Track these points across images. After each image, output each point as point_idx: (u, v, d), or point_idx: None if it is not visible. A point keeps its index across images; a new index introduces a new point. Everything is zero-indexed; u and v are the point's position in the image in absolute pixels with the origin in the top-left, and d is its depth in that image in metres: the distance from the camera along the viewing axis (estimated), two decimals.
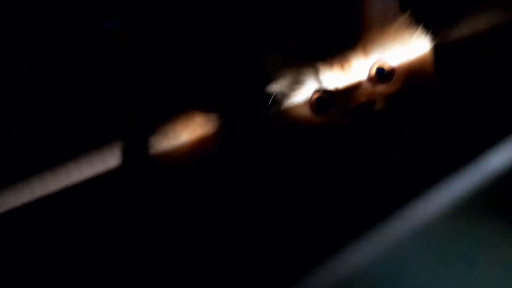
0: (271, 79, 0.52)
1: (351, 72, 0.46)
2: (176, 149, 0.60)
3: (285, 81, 0.51)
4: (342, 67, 0.46)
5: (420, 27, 0.50)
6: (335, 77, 0.46)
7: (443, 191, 0.32)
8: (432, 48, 0.50)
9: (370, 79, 0.46)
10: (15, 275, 0.48)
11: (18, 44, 0.57)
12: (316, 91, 0.48)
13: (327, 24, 0.52)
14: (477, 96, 0.47)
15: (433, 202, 0.31)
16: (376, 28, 0.48)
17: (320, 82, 0.47)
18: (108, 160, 0.54)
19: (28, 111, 0.55)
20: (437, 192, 0.32)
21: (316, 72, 0.47)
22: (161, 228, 0.49)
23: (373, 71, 0.46)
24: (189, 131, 0.63)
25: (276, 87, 0.52)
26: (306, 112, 0.48)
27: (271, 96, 0.52)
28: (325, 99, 0.47)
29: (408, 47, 0.48)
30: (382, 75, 0.46)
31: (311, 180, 0.49)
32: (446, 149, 0.45)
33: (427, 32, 0.50)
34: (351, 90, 0.45)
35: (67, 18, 0.56)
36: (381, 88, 0.46)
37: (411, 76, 0.46)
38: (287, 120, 0.50)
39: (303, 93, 0.49)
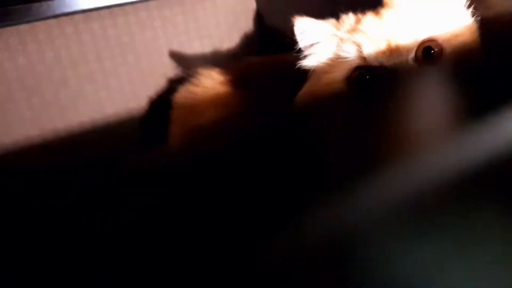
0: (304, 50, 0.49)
1: (397, 50, 0.43)
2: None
3: (325, 55, 0.48)
4: (389, 44, 0.43)
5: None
6: (380, 54, 0.43)
7: None
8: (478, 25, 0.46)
9: (417, 58, 0.43)
10: None
11: None
12: (358, 68, 0.45)
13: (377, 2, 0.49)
14: None
15: None
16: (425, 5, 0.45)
17: (363, 59, 0.44)
18: None
19: None
20: None
21: (359, 48, 0.44)
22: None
23: (421, 51, 0.43)
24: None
25: (314, 62, 0.49)
26: (344, 88, 0.46)
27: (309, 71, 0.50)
28: (366, 77, 0.44)
29: (456, 25, 0.45)
30: (429, 54, 0.43)
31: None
32: None
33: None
34: (397, 69, 0.42)
35: None
36: (429, 66, 0.43)
37: (459, 56, 0.43)
38: (322, 95, 0.47)
39: (342, 69, 0.46)
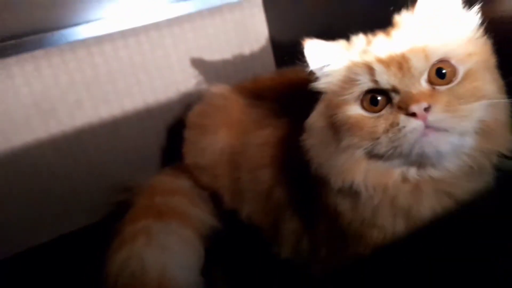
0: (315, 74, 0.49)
1: (410, 72, 0.42)
2: None
3: (336, 78, 0.47)
4: (401, 67, 0.42)
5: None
6: (392, 77, 0.42)
7: None
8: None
9: (430, 80, 0.42)
10: None
11: None
12: (370, 91, 0.44)
13: (385, 20, 0.48)
14: None
15: None
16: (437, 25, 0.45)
17: (374, 82, 0.43)
18: None
19: None
20: None
21: (371, 71, 0.44)
22: None
23: (434, 72, 0.42)
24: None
25: (325, 84, 0.49)
26: (357, 111, 0.45)
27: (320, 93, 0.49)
28: (378, 99, 0.44)
29: (468, 44, 0.44)
30: (442, 75, 0.42)
31: None
32: None
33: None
34: (409, 91, 0.41)
35: None
36: (441, 89, 0.42)
37: (478, 75, 0.43)
38: (337, 118, 0.46)
39: (355, 92, 0.45)
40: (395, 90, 0.43)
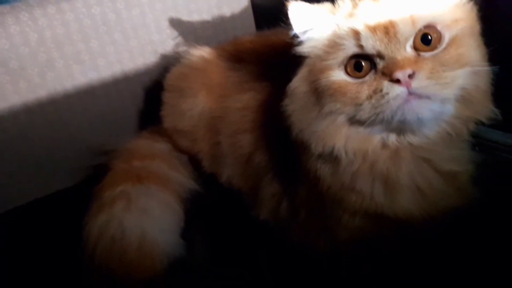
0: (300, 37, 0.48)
1: (396, 37, 0.41)
2: None
3: (321, 42, 0.46)
4: (387, 32, 0.42)
5: None
6: (378, 42, 0.42)
7: None
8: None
9: (416, 46, 0.42)
10: None
11: None
12: (354, 56, 0.43)
13: None
14: None
15: None
16: None
17: (360, 47, 0.43)
18: None
19: None
20: None
21: (356, 36, 0.43)
22: None
23: (419, 38, 0.42)
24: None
25: (309, 48, 0.48)
26: (341, 76, 0.44)
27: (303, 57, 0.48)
28: (362, 65, 0.43)
29: (455, 10, 0.43)
30: (428, 41, 0.42)
31: None
32: None
33: None
34: (394, 57, 0.41)
35: None
36: (426, 55, 0.42)
37: (464, 41, 0.42)
38: (320, 83, 0.45)
39: (339, 57, 0.44)
40: (380, 55, 0.42)
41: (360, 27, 0.43)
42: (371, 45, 0.42)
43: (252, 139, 0.61)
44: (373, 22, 0.43)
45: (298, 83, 0.49)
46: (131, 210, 0.59)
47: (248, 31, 0.89)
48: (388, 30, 0.42)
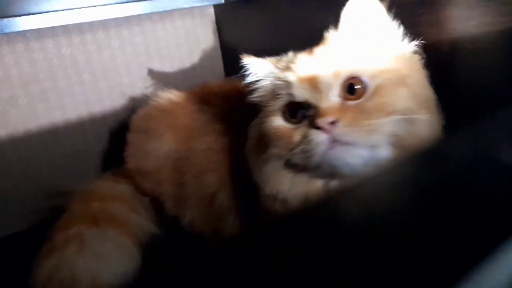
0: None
1: (319, 87, 0.44)
2: None
3: (266, 91, 0.51)
4: (312, 82, 0.44)
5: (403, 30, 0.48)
6: (304, 91, 0.45)
7: None
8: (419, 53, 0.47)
9: (342, 94, 0.44)
10: None
11: None
12: (290, 103, 0.47)
13: (302, 36, 0.51)
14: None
15: None
16: (352, 40, 0.47)
17: (291, 96, 0.46)
18: None
19: None
20: None
21: (289, 86, 0.46)
22: None
23: (345, 87, 0.44)
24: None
25: (258, 97, 0.52)
26: (279, 122, 0.48)
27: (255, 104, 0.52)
28: (298, 111, 0.46)
29: (385, 61, 0.46)
30: (353, 91, 0.44)
31: None
32: None
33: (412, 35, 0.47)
34: (319, 106, 0.43)
35: None
36: (351, 103, 0.43)
37: (389, 90, 0.44)
38: (264, 128, 0.49)
39: (277, 104, 0.48)
40: (308, 104, 0.45)
41: (292, 78, 0.47)
42: (299, 94, 0.46)
43: (215, 179, 0.61)
44: (302, 74, 0.46)
45: (253, 128, 0.53)
46: (83, 253, 0.55)
47: (217, 77, 0.91)
48: (312, 81, 0.45)
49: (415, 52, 0.48)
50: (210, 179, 0.62)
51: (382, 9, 0.47)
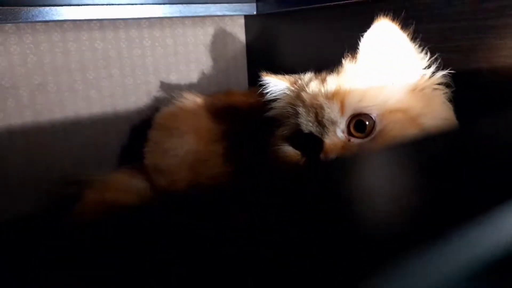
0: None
1: (323, 122, 0.43)
2: None
3: (280, 111, 0.51)
4: (317, 115, 0.44)
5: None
6: (310, 124, 0.44)
7: None
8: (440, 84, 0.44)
9: (349, 130, 0.43)
10: None
11: None
12: (296, 131, 0.47)
13: (329, 55, 0.50)
14: None
15: None
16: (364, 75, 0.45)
17: (298, 125, 0.46)
18: None
19: None
20: None
21: (297, 115, 0.46)
22: None
23: (353, 123, 0.42)
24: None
25: (274, 114, 0.52)
26: (288, 148, 0.48)
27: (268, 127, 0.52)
28: (302, 138, 0.46)
29: (399, 98, 0.43)
30: (362, 128, 0.42)
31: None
32: None
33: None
34: (323, 140, 0.43)
35: None
36: (357, 141, 0.42)
37: (396, 132, 0.41)
38: (274, 150, 0.49)
39: (287, 131, 0.49)
40: (314, 136, 0.45)
41: (300, 106, 0.46)
42: (304, 125, 0.45)
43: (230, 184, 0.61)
44: (310, 104, 0.45)
45: (271, 144, 0.53)
46: None
47: (240, 86, 0.93)
48: (317, 114, 0.44)
49: (441, 83, 0.46)
50: (226, 183, 0.62)
51: (404, 38, 0.45)
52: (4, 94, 0.74)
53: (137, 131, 0.83)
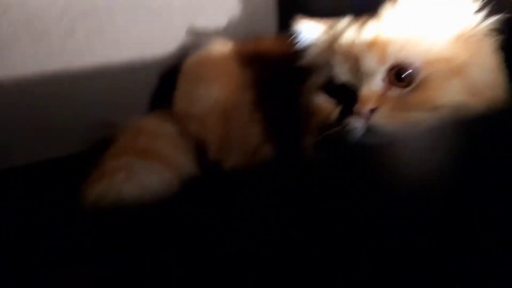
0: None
1: (361, 71, 0.42)
2: None
3: (314, 58, 0.50)
4: (356, 63, 0.42)
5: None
6: (346, 73, 0.43)
7: None
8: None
9: (388, 79, 0.41)
10: None
11: None
12: (329, 80, 0.46)
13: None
14: None
15: None
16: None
17: (332, 74, 0.45)
18: None
19: None
20: None
21: (331, 62, 0.45)
22: None
23: (393, 73, 0.41)
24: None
25: (307, 62, 0.51)
26: (321, 96, 0.47)
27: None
28: (335, 88, 0.45)
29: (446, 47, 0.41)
30: (401, 78, 0.41)
31: None
32: None
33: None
34: (360, 89, 0.42)
35: None
36: (395, 91, 0.41)
37: (438, 83, 0.40)
38: (307, 100, 0.49)
39: (320, 79, 0.47)
40: (350, 85, 0.44)
41: (335, 54, 0.44)
42: (340, 74, 0.44)
43: (260, 131, 0.62)
44: (348, 50, 0.44)
45: (301, 93, 0.53)
46: (132, 181, 0.59)
47: (269, 32, 0.91)
48: (357, 62, 0.42)
49: (493, 29, 0.43)
50: (255, 130, 0.63)
51: None
52: (35, 37, 0.74)
53: (166, 77, 0.84)
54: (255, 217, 0.45)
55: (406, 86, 0.41)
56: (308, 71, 0.51)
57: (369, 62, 0.42)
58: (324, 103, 0.47)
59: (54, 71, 0.77)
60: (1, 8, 0.70)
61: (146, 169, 0.61)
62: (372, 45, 0.42)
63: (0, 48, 0.72)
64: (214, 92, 0.70)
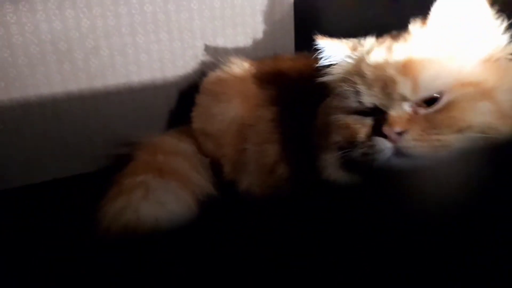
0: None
1: (392, 95, 0.41)
2: None
3: (337, 79, 0.49)
4: (385, 87, 0.42)
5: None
6: (374, 98, 0.42)
7: None
8: None
9: (417, 104, 0.41)
10: None
11: None
12: (356, 105, 0.45)
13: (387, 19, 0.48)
14: None
15: None
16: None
17: (359, 102, 0.44)
18: None
19: None
20: None
21: (357, 91, 0.44)
22: None
23: (420, 99, 0.40)
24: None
25: (329, 81, 0.50)
26: (346, 116, 0.47)
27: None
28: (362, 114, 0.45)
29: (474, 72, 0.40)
30: (427, 100, 0.41)
31: None
32: None
33: None
34: (389, 112, 0.41)
35: None
36: (422, 112, 0.40)
37: (465, 105, 0.39)
38: (332, 117, 0.48)
39: (345, 106, 0.47)
40: (378, 108, 0.43)
41: (359, 82, 0.44)
42: (368, 101, 0.43)
43: (277, 150, 0.62)
44: (373, 74, 0.43)
45: (322, 110, 0.52)
46: (149, 199, 0.59)
47: (287, 51, 0.91)
48: (386, 86, 0.42)
49: None
50: (272, 149, 0.63)
51: (483, 4, 0.42)
52: (60, 57, 0.77)
53: (185, 96, 0.85)
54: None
55: (430, 106, 0.41)
56: (328, 89, 0.51)
57: (403, 89, 0.41)
58: (350, 121, 0.46)
59: (78, 89, 0.79)
60: (29, 27, 0.73)
61: (163, 188, 0.62)
62: (404, 69, 0.41)
63: (27, 66, 0.75)
64: (232, 111, 0.70)
